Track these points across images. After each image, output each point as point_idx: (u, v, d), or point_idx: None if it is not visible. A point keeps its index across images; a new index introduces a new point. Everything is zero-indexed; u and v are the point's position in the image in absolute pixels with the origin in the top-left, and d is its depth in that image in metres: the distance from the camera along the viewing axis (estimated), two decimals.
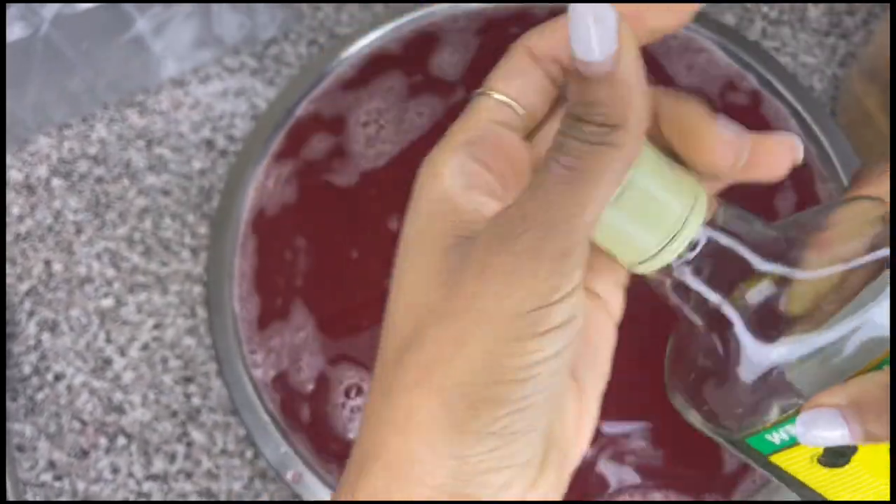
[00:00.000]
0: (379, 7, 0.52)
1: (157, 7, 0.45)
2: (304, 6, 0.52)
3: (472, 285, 0.18)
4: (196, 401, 0.40)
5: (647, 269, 0.19)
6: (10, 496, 0.37)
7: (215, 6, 0.47)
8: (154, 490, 0.38)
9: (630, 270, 0.20)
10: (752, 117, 0.39)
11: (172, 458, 0.39)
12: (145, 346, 0.41)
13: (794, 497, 0.30)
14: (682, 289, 0.20)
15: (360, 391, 0.33)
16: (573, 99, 0.17)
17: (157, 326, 0.42)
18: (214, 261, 0.36)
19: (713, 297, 0.20)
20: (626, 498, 0.30)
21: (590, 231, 0.18)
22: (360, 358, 0.34)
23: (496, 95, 0.20)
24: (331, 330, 0.35)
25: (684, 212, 0.19)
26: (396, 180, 0.38)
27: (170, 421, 0.39)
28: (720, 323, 0.20)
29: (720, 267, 0.19)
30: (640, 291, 0.21)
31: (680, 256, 0.19)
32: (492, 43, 0.42)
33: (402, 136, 0.39)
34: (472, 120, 0.20)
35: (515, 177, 0.19)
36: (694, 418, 0.22)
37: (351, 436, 0.33)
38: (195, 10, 0.46)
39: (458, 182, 0.19)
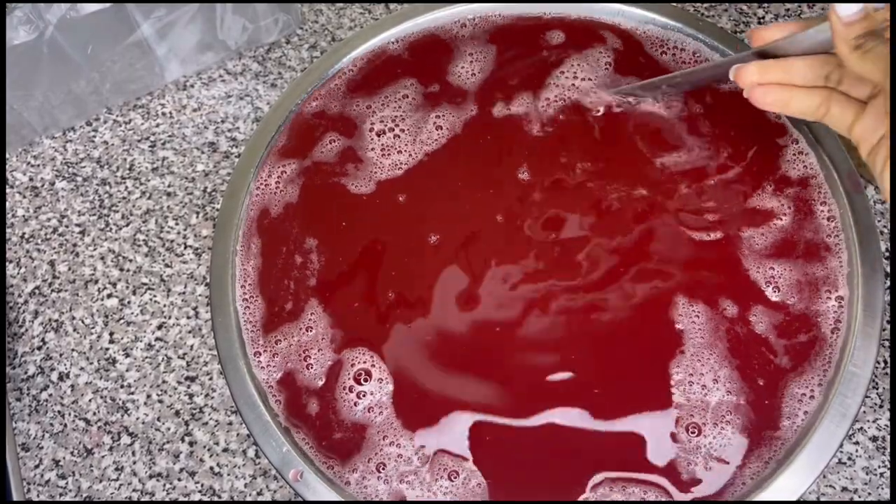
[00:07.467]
0: (380, 11, 0.52)
1: (161, 10, 0.45)
2: (306, 10, 0.52)
3: None
4: (199, 400, 0.40)
5: None
6: (15, 495, 0.37)
7: (219, 10, 0.47)
8: (157, 488, 0.38)
9: None
10: (748, 120, 0.39)
11: (175, 456, 0.39)
12: (149, 347, 0.42)
13: (790, 497, 0.30)
14: None
15: (368, 375, 0.34)
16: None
17: (160, 327, 0.42)
18: (217, 262, 0.37)
19: None
20: (606, 490, 0.31)
21: None
22: (371, 340, 0.35)
23: None
24: (342, 327, 0.35)
25: None
26: (414, 191, 0.38)
27: (173, 420, 0.40)
28: None
29: None
30: None
31: None
32: (505, 50, 0.42)
33: (418, 147, 0.39)
34: None
35: None
36: None
37: (357, 418, 0.33)
38: (198, 14, 0.47)
39: None
